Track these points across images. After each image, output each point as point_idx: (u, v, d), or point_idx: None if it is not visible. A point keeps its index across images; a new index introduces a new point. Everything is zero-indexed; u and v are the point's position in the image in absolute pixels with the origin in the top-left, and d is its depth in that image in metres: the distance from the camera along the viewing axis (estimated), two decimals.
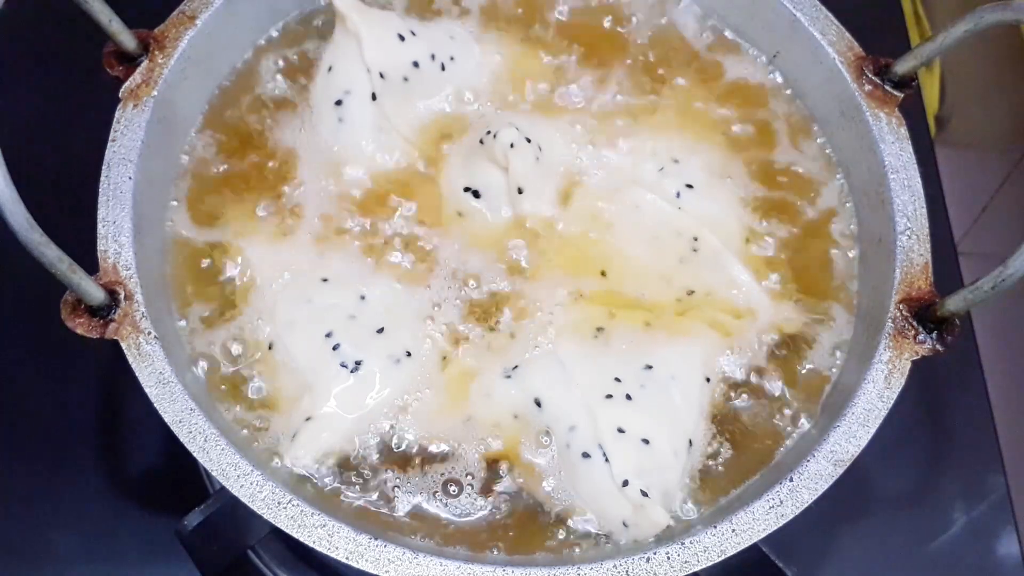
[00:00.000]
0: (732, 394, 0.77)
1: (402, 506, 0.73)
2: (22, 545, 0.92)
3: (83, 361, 0.97)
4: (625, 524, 0.71)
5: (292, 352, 0.76)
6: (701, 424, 0.76)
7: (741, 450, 0.76)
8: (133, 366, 0.70)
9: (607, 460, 0.71)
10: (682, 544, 0.67)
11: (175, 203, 0.82)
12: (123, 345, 0.70)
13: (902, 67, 0.81)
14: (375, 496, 0.73)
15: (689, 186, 0.83)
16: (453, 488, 0.73)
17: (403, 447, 0.75)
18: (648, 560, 0.66)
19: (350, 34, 0.83)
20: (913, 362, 0.73)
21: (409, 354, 0.76)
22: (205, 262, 0.80)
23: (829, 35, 0.85)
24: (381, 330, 0.76)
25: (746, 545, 0.67)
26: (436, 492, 0.73)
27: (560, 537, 0.72)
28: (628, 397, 0.74)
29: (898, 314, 0.74)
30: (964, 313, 0.72)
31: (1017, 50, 1.15)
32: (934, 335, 0.73)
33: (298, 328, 0.77)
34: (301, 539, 0.66)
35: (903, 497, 0.97)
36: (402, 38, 0.84)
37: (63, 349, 0.90)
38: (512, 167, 0.80)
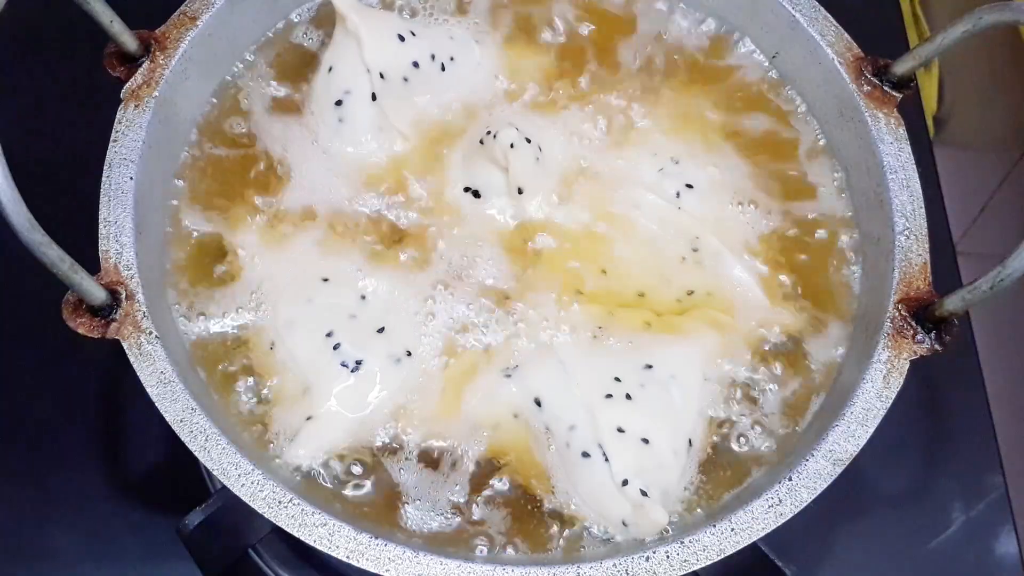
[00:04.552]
0: (730, 394, 0.78)
1: (402, 505, 0.73)
2: (22, 544, 0.92)
3: (84, 361, 0.97)
4: (625, 523, 0.71)
5: (293, 351, 0.76)
6: (700, 424, 0.76)
7: (738, 448, 0.76)
8: (134, 366, 0.70)
9: (607, 459, 0.71)
10: (681, 543, 0.67)
11: (176, 203, 0.82)
12: (124, 345, 0.70)
13: (901, 68, 0.82)
14: (375, 495, 0.73)
15: (689, 186, 0.83)
16: (453, 487, 0.74)
17: (403, 446, 0.75)
18: (648, 559, 0.67)
19: (350, 34, 0.83)
20: (912, 362, 0.73)
21: (409, 353, 0.76)
22: (206, 262, 0.80)
23: (828, 36, 0.85)
24: (381, 330, 0.77)
25: (745, 544, 0.68)
26: (436, 491, 0.74)
27: (559, 536, 0.73)
28: (628, 397, 0.74)
29: (897, 314, 0.74)
30: (962, 313, 0.72)
31: (1016, 50, 1.15)
32: (932, 335, 0.73)
33: (298, 328, 0.77)
34: (302, 538, 0.66)
35: (902, 496, 0.98)
36: (402, 38, 0.84)
37: (64, 349, 0.90)
38: (512, 167, 0.80)
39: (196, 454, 0.68)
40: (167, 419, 0.69)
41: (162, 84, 0.80)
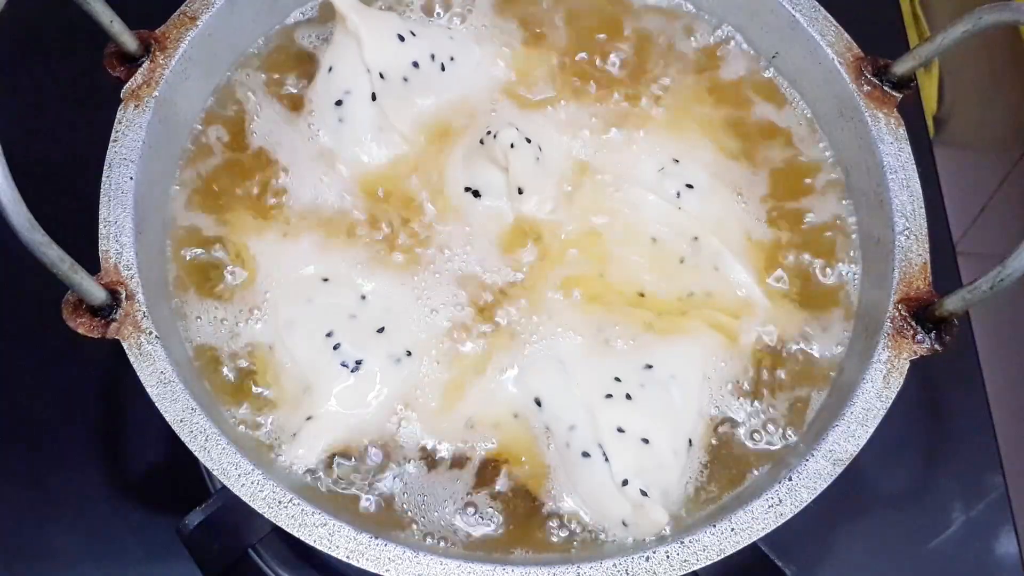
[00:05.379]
0: (730, 394, 0.78)
1: (402, 505, 0.73)
2: (22, 544, 0.92)
3: (84, 361, 0.97)
4: (625, 523, 0.71)
5: (292, 352, 0.76)
6: (700, 424, 0.76)
7: (738, 448, 0.76)
8: (134, 366, 0.70)
9: (607, 459, 0.71)
10: (681, 543, 0.67)
11: (176, 203, 0.82)
12: (124, 345, 0.70)
13: (901, 68, 0.82)
14: (375, 495, 0.73)
15: (689, 186, 0.83)
16: (453, 487, 0.74)
17: (403, 446, 0.75)
18: (648, 559, 0.67)
19: (350, 35, 0.83)
20: (912, 362, 0.73)
21: (409, 353, 0.76)
22: (206, 262, 0.80)
23: (828, 36, 0.85)
24: (381, 330, 0.77)
25: (745, 544, 0.68)
26: (436, 491, 0.74)
27: (560, 536, 0.73)
28: (628, 397, 0.74)
29: (897, 314, 0.74)
30: (962, 313, 0.72)
31: (1016, 50, 1.15)
32: (932, 335, 0.73)
33: (298, 328, 0.77)
34: (302, 538, 0.66)
35: (902, 496, 0.98)
36: (402, 38, 0.84)
37: (64, 349, 0.90)
38: (512, 167, 0.80)
39: (196, 454, 0.68)
40: (167, 419, 0.69)
41: (162, 84, 0.80)
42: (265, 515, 0.67)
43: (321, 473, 0.74)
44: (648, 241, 0.82)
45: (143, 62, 0.80)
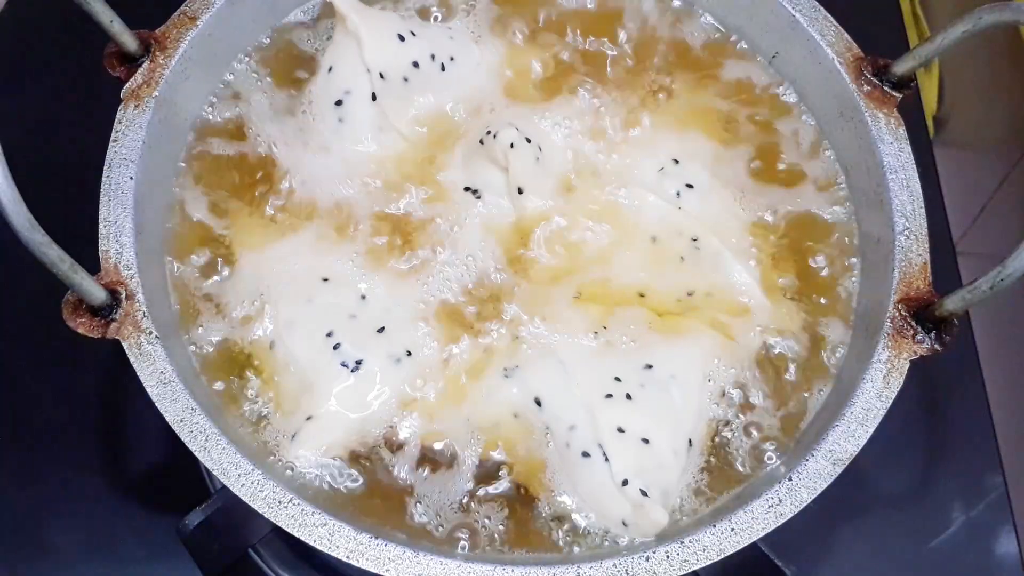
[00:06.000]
0: (730, 394, 0.78)
1: (401, 505, 0.73)
2: (22, 544, 0.92)
3: (84, 361, 0.97)
4: (625, 523, 0.71)
5: (293, 351, 0.76)
6: (700, 424, 0.76)
7: (738, 448, 0.76)
8: (134, 366, 0.70)
9: (607, 459, 0.72)
10: (681, 543, 0.67)
11: (176, 203, 0.82)
12: (124, 345, 0.70)
13: (901, 68, 0.82)
14: (375, 495, 0.73)
15: (689, 186, 0.83)
16: (453, 486, 0.74)
17: (403, 446, 0.75)
18: (648, 559, 0.67)
19: (350, 34, 0.83)
20: (912, 362, 0.73)
21: (409, 353, 0.76)
22: (206, 261, 0.80)
23: (828, 36, 0.85)
24: (381, 329, 0.77)
25: (745, 544, 0.68)
26: (436, 491, 0.74)
27: (560, 536, 0.73)
28: (628, 396, 0.74)
29: (897, 314, 0.74)
30: (962, 313, 0.72)
31: (1016, 51, 1.15)
32: (933, 335, 0.73)
33: (298, 328, 0.77)
34: (302, 538, 0.66)
35: (902, 496, 0.98)
36: (402, 38, 0.84)
37: (64, 349, 0.91)
38: (512, 167, 0.80)
39: (196, 454, 0.68)
40: (167, 419, 0.69)
41: (162, 84, 0.80)
42: (265, 515, 0.67)
43: (320, 473, 0.74)
44: (648, 241, 0.82)
45: (143, 62, 0.80)
